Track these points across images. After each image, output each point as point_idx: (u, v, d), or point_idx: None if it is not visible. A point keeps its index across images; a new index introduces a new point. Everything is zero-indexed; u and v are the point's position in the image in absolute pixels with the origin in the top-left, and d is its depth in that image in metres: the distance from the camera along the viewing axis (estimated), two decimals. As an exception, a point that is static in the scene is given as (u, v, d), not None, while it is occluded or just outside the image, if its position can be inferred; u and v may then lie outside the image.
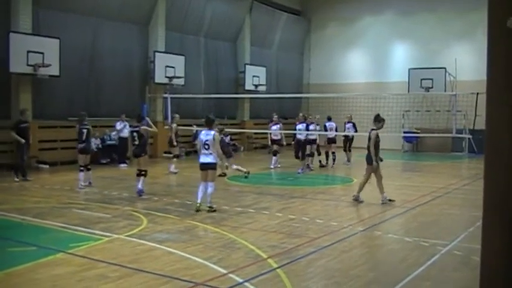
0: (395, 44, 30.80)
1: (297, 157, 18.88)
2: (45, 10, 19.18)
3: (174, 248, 8.24)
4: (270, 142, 20.56)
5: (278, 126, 19.88)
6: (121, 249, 8.22)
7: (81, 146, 14.63)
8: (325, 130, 20.31)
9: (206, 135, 11.34)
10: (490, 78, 3.97)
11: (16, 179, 15.52)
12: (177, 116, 19.18)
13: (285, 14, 31.69)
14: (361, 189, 12.75)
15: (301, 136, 18.65)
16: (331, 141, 20.37)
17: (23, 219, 10.40)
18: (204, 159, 11.34)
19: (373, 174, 12.62)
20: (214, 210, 11.13)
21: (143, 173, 13.26)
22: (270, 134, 19.90)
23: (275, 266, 7.35)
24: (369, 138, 12.56)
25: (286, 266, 7.37)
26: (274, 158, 19.73)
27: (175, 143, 18.55)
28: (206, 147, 11.25)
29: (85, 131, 14.55)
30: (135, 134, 13.58)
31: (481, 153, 20.64)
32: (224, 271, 7.06)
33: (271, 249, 8.25)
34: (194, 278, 6.79)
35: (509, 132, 3.88)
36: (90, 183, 14.73)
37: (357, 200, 12.68)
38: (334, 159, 20.52)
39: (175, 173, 17.96)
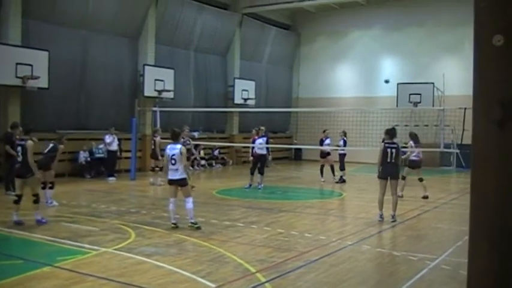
0: (384, 58, 31.02)
1: (252, 173, 17.90)
2: (34, 22, 19.14)
3: (162, 261, 8.20)
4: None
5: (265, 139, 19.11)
6: (109, 262, 8.17)
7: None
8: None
9: (172, 149, 10.79)
10: (476, 94, 4.00)
11: (12, 193, 15.28)
12: (159, 129, 19.34)
13: (275, 28, 31.87)
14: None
15: (261, 151, 18.01)
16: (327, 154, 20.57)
17: (10, 232, 10.32)
18: (171, 175, 10.81)
19: (389, 189, 12.27)
20: (199, 227, 10.64)
21: (35, 198, 11.11)
22: (253, 148, 18.31)
23: (263, 280, 7.34)
24: (399, 152, 12.28)
25: (274, 280, 7.36)
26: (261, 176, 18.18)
27: (160, 157, 18.41)
28: (173, 162, 10.69)
29: (19, 148, 11.38)
30: (19, 148, 11.23)
31: (469, 167, 20.84)
32: (212, 285, 7.04)
33: (260, 263, 8.23)
34: (182, 292, 6.77)
35: (495, 148, 3.91)
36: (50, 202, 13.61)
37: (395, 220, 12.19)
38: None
39: (160, 185, 17.94)
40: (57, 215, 12.38)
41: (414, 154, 16.37)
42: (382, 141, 12.95)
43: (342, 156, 20.23)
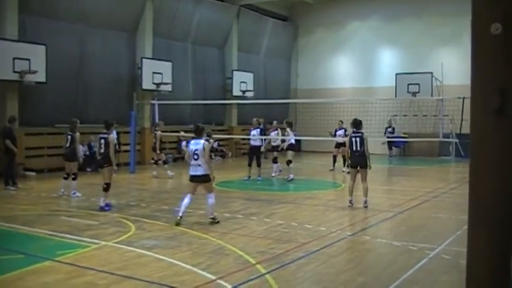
0: (382, 49, 30.94)
1: (249, 165, 18.14)
2: (31, 17, 19.06)
3: (162, 254, 8.22)
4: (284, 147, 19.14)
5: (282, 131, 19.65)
6: (109, 256, 8.19)
7: (63, 152, 14.80)
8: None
9: (195, 144, 10.58)
10: (474, 84, 4.00)
11: (12, 188, 15.32)
12: (161, 122, 19.35)
13: (272, 19, 31.74)
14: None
15: (255, 142, 18.29)
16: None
17: (10, 227, 10.33)
18: (194, 171, 10.61)
19: (359, 178, 12.88)
20: (218, 222, 10.60)
21: (105, 186, 12.30)
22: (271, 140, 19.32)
23: (264, 271, 7.36)
24: (364, 141, 12.74)
25: (275, 271, 7.38)
26: (275, 165, 19.16)
27: (158, 151, 18.60)
28: (195, 157, 10.48)
29: (69, 137, 14.35)
30: (102, 141, 12.53)
31: (467, 157, 20.89)
32: (213, 277, 7.05)
33: (260, 254, 8.25)
34: (183, 284, 6.78)
35: (494, 137, 3.91)
36: (62, 192, 14.15)
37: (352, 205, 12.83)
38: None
39: (157, 178, 18.29)
40: (56, 209, 12.39)
41: (291, 139, 18.57)
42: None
43: None
